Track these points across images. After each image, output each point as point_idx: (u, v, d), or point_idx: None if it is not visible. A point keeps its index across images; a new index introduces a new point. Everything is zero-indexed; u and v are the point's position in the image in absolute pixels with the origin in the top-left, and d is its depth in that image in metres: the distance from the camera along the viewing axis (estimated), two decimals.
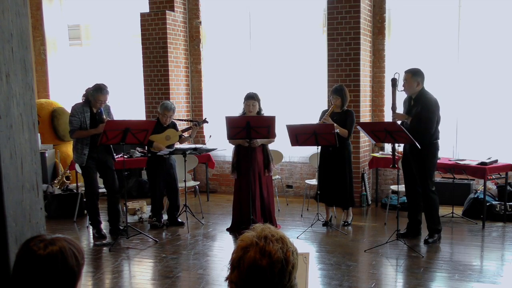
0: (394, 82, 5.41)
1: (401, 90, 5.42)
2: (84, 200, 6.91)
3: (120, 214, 6.07)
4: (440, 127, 5.47)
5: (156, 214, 6.44)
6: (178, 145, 6.57)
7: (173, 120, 6.49)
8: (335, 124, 5.92)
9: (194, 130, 6.37)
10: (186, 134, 6.67)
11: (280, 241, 1.62)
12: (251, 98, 5.99)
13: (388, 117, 7.68)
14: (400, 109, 5.54)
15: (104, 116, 5.69)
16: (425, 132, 5.31)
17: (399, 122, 5.47)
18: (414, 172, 5.50)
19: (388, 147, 7.54)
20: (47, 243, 1.68)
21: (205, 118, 6.59)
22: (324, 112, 6.16)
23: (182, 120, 7.30)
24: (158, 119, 6.36)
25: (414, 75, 5.35)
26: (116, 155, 6.11)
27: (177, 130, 6.42)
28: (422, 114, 5.29)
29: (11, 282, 1.73)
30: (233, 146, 6.19)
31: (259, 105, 6.03)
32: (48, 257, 1.65)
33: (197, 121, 6.62)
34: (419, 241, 5.61)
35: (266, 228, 1.66)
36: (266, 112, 6.15)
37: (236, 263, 1.62)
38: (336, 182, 6.15)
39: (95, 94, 5.62)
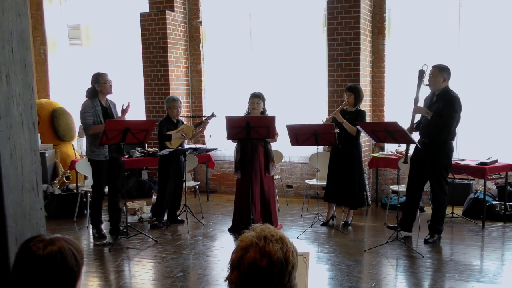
0: (421, 73, 5.32)
1: (426, 85, 5.34)
2: (85, 200, 6.93)
3: (121, 214, 6.07)
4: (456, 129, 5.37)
5: (158, 214, 6.43)
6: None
7: (180, 118, 6.53)
8: (344, 121, 5.91)
9: (205, 125, 6.55)
10: (198, 129, 6.71)
11: (280, 241, 1.62)
12: (256, 97, 6.03)
13: (388, 117, 7.69)
14: (421, 104, 5.42)
15: (123, 106, 5.83)
16: (444, 130, 5.22)
17: (418, 116, 5.41)
18: (428, 171, 5.43)
19: (388, 147, 7.56)
20: (47, 243, 1.67)
21: (213, 113, 6.64)
22: None
23: (188, 116, 7.32)
24: (167, 116, 6.37)
25: (441, 71, 5.29)
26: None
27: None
28: (444, 111, 5.19)
29: (10, 282, 1.73)
30: (235, 144, 6.18)
31: (264, 105, 6.06)
32: (48, 257, 1.65)
33: (207, 116, 6.69)
34: (418, 240, 5.61)
35: (266, 228, 1.66)
36: (267, 112, 6.15)
37: (236, 264, 1.62)
38: (344, 182, 6.13)
39: (100, 78, 5.71)
